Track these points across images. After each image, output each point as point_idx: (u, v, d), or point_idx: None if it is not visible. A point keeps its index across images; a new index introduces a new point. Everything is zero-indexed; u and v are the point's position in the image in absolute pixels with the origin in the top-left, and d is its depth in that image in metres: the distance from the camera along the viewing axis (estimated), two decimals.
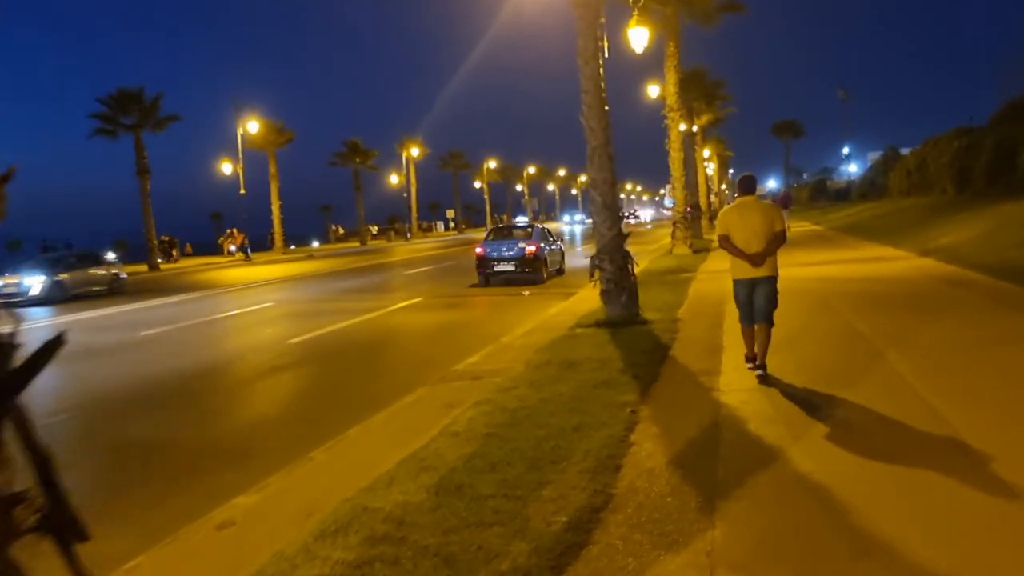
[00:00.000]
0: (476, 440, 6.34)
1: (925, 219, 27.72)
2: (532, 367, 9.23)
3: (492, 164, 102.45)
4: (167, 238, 50.90)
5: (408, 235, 78.93)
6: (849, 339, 9.72)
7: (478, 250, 23.46)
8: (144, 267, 43.76)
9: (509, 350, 11.13)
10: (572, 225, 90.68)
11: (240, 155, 50.01)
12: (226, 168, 51.88)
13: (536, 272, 22.54)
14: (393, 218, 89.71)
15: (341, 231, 76.63)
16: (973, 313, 11.16)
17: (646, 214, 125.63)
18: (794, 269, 18.14)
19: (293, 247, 63.08)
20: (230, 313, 19.75)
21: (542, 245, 23.10)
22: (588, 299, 14.38)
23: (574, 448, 5.92)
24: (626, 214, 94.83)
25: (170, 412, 9.62)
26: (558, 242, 25.49)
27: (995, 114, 35.28)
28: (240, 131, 49.83)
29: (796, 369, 8.22)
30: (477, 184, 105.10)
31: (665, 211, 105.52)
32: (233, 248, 51.80)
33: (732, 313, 10.99)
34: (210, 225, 70.29)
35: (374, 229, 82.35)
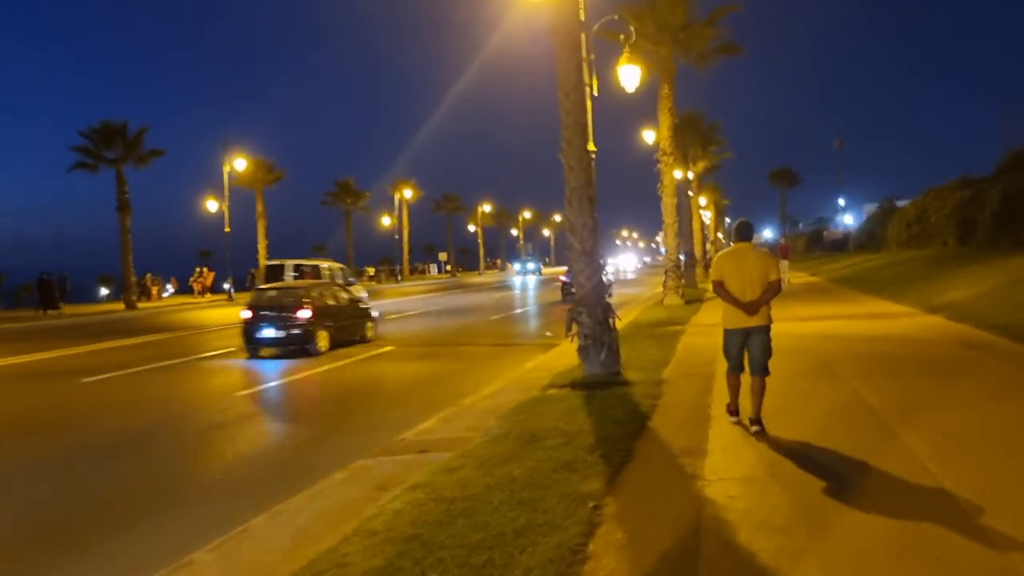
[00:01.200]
0: (394, 545, 5.01)
1: (928, 272, 26.54)
2: (488, 440, 7.91)
3: (487, 208, 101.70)
4: (149, 276, 49.64)
5: (399, 277, 77.74)
6: (856, 412, 8.41)
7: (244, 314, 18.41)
8: (121, 305, 42.47)
9: (469, 414, 9.83)
10: (523, 275, 78.34)
11: (226, 193, 48.86)
12: (212, 205, 50.72)
13: (309, 342, 17.77)
14: (387, 260, 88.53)
15: None
16: (995, 382, 9.87)
17: (627, 262, 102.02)
18: (792, 324, 16.89)
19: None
20: (187, 359, 18.41)
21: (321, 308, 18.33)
22: (568, 352, 13.08)
23: (513, 563, 4.60)
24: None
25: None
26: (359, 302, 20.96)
27: (1000, 163, 34.30)
28: (227, 168, 48.76)
29: (795, 451, 6.92)
30: (472, 227, 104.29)
31: (646, 260, 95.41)
32: (200, 288, 50.78)
33: (723, 373, 9.77)
34: (199, 263, 68.53)
35: (371, 271, 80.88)
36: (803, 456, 6.74)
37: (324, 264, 30.42)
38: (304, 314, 17.69)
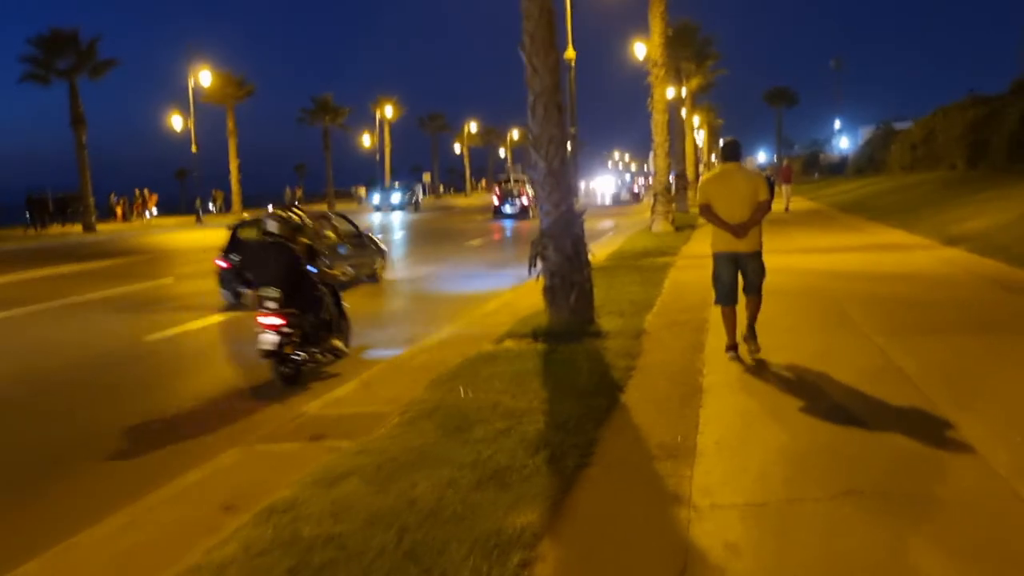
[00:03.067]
0: None
1: (938, 198, 24.48)
2: (405, 421, 5.95)
3: (473, 127, 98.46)
4: (112, 196, 47.06)
5: None
6: (890, 384, 6.44)
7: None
8: (79, 227, 40.18)
9: (400, 374, 7.87)
10: (387, 209, 53.27)
11: (192, 109, 46.17)
12: (177, 122, 47.99)
13: None
14: (371, 180, 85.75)
15: (299, 193, 72.45)
16: None
17: (605, 184, 78.20)
18: (796, 257, 14.93)
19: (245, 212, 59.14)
20: (117, 290, 16.34)
21: None
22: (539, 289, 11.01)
23: None
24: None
25: None
26: None
27: (1017, 80, 31.80)
28: (192, 83, 45.91)
29: (817, 449, 4.98)
30: (458, 148, 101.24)
31: (628, 184, 77.26)
32: (150, 213, 47.99)
33: (718, 322, 7.87)
34: (174, 183, 66.07)
35: (362, 191, 77.73)
36: (827, 458, 4.81)
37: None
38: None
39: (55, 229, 40.10)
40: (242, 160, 53.93)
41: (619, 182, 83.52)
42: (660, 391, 6.57)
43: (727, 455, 5.00)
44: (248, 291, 10.97)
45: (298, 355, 8.07)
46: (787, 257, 14.98)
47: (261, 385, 8.32)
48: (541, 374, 7.10)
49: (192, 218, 45.98)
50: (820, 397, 6.17)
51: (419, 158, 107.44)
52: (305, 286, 8.30)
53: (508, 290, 13.64)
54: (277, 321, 7.88)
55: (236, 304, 13.04)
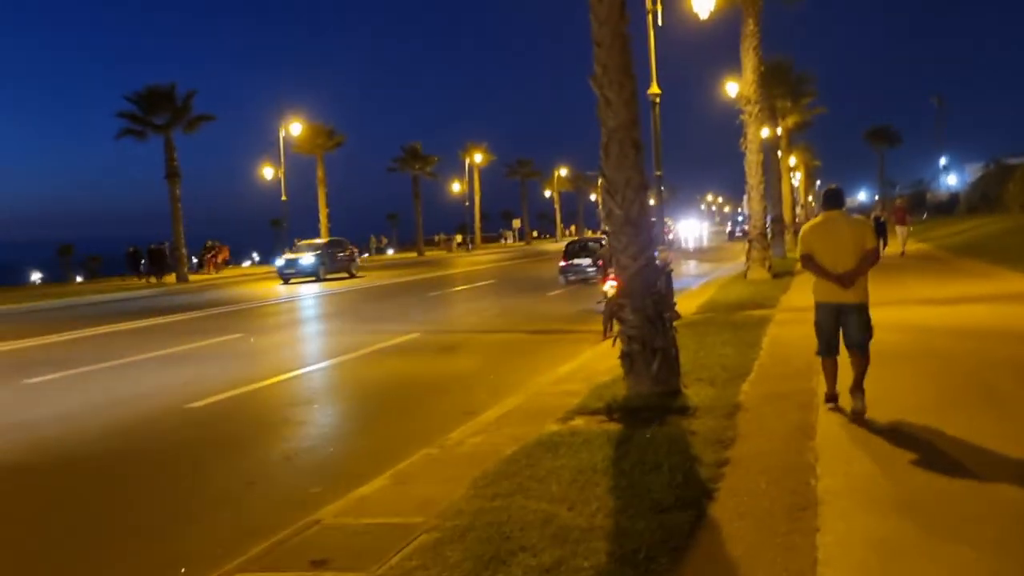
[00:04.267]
0: None
1: None
2: (429, 547, 4.66)
3: (563, 172, 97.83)
4: (211, 244, 47.47)
5: (471, 245, 74.85)
6: None
7: None
8: (172, 277, 40.68)
9: (443, 466, 6.60)
10: (291, 276, 35.50)
11: (282, 159, 46.58)
12: (268, 173, 48.54)
13: None
14: (463, 228, 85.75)
15: (384, 241, 72.72)
16: None
17: (692, 228, 78.72)
18: (914, 311, 13.16)
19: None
20: (183, 348, 15.66)
21: None
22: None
23: None
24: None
25: None
26: None
27: None
28: (283, 133, 46.40)
29: None
30: (548, 193, 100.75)
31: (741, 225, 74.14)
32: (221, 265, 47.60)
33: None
34: (270, 232, 67.25)
35: (458, 238, 77.40)
36: None
37: None
38: None
39: (151, 280, 40.88)
40: (332, 209, 54.29)
41: (730, 224, 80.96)
42: (760, 500, 5.12)
43: None
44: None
45: None
46: (905, 311, 13.21)
47: (287, 468, 7.20)
48: (610, 472, 5.73)
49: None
50: (984, 521, 4.62)
51: (509, 204, 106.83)
52: None
53: (590, 348, 12.30)
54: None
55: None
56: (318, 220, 54.36)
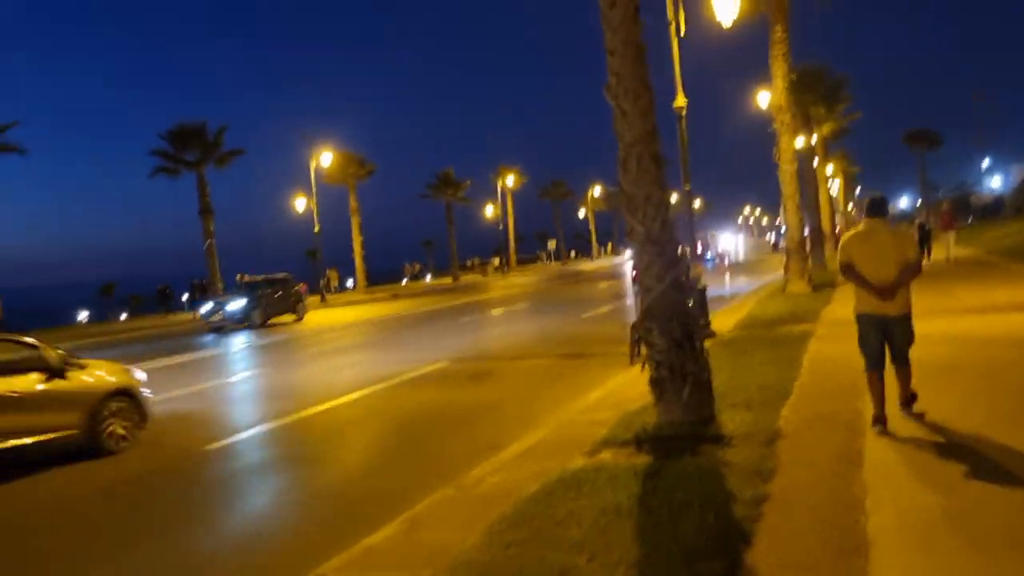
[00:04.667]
0: None
1: None
2: None
3: (596, 191, 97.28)
4: (242, 277, 47.58)
5: (506, 268, 74.52)
6: None
7: None
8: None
9: (458, 507, 6.16)
10: (219, 329, 29.21)
11: (313, 189, 46.66)
12: (301, 204, 48.73)
13: None
14: (499, 251, 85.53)
15: (418, 267, 72.63)
16: None
17: (729, 242, 77.87)
18: (966, 321, 12.49)
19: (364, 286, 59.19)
20: (207, 384, 15.41)
21: None
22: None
23: None
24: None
25: None
26: None
27: None
28: (313, 164, 46.54)
29: None
30: (582, 213, 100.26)
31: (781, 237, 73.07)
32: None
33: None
34: (306, 262, 67.41)
35: (495, 262, 76.95)
36: None
37: None
38: None
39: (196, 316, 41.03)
40: (365, 237, 54.40)
41: (773, 235, 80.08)
42: (804, 544, 4.60)
43: None
44: None
45: None
46: (955, 321, 12.53)
47: (299, 511, 6.81)
48: (636, 513, 5.24)
49: (318, 298, 46.16)
50: None
51: (543, 225, 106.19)
52: None
53: (622, 372, 11.78)
54: None
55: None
56: (352, 250, 54.50)
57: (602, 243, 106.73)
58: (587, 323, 21.80)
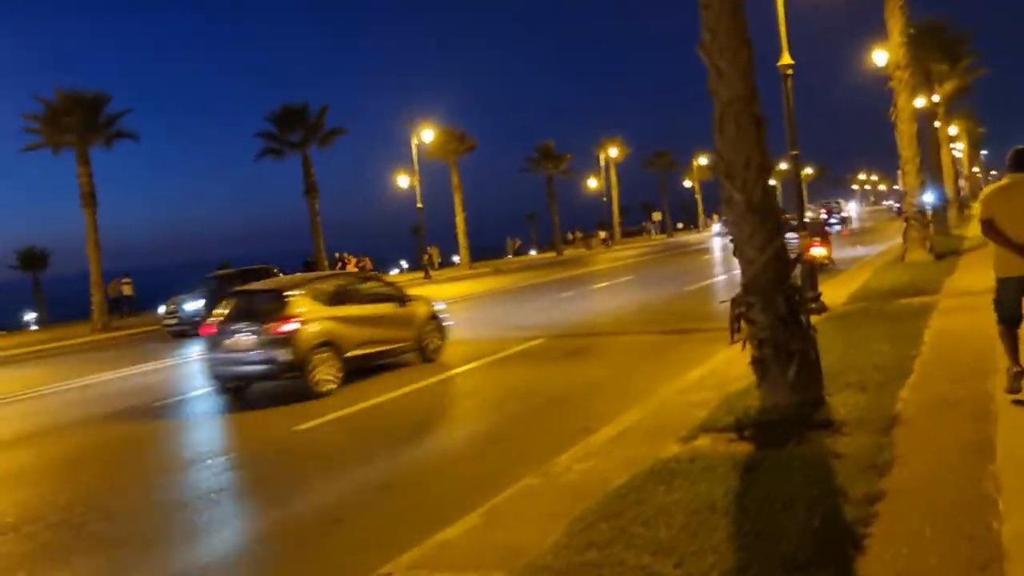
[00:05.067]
0: None
1: None
2: None
3: (703, 161, 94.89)
4: (338, 255, 48.22)
5: (610, 241, 73.52)
6: None
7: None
8: None
9: (541, 498, 5.79)
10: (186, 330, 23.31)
11: (415, 166, 46.91)
12: (403, 181, 49.08)
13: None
14: (602, 224, 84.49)
15: (518, 243, 72.11)
16: None
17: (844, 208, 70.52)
18: None
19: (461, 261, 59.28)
20: None
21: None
22: None
23: None
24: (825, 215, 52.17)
25: None
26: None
27: None
28: (415, 141, 46.74)
29: None
30: (688, 183, 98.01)
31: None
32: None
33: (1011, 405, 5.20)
34: (410, 239, 68.16)
35: (601, 234, 76.08)
36: None
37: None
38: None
39: None
40: (467, 212, 54.39)
41: (893, 199, 76.88)
42: (926, 553, 4.02)
43: None
44: None
45: None
46: None
47: (381, 500, 6.59)
48: (733, 511, 4.74)
49: (421, 274, 46.54)
50: None
51: (646, 197, 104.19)
52: None
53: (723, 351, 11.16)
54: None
55: None
56: (454, 226, 54.65)
57: (708, 214, 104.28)
58: (690, 297, 21.07)
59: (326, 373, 11.63)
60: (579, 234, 76.39)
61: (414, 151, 46.97)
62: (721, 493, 5.07)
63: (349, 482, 7.54)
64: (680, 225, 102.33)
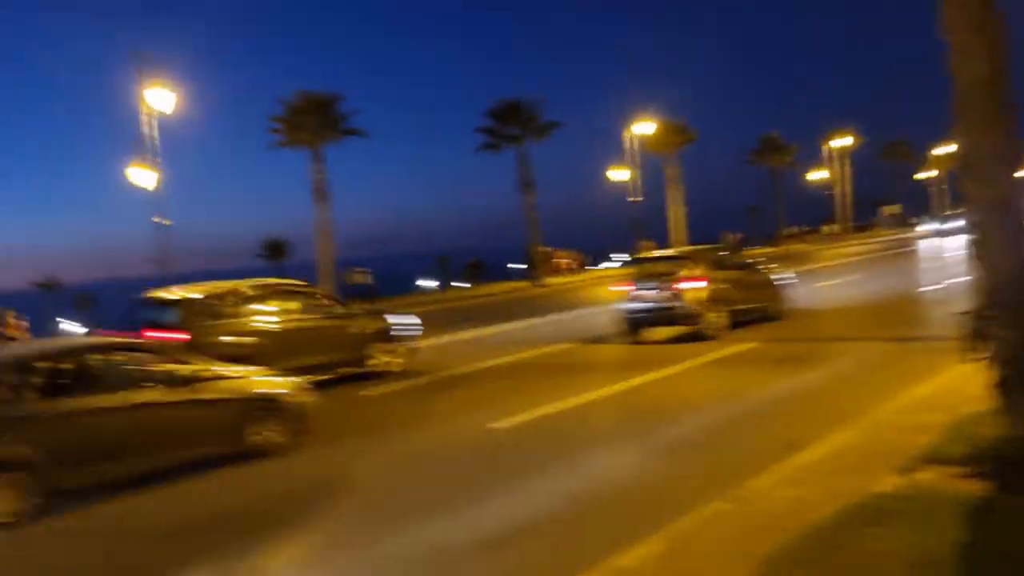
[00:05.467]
0: None
1: None
2: None
3: (939, 151, 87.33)
4: (546, 249, 48.51)
5: (840, 237, 69.31)
6: None
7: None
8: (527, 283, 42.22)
9: (732, 528, 5.23)
10: None
11: (636, 159, 46.20)
12: (619, 175, 48.62)
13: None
14: (829, 219, 79.93)
15: (737, 237, 69.00)
16: None
17: None
18: None
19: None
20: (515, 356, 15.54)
21: None
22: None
23: None
24: None
25: None
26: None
27: None
28: (633, 135, 46.06)
29: None
30: (921, 175, 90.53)
31: None
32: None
33: None
34: (627, 232, 67.63)
35: (835, 228, 72.26)
36: None
37: None
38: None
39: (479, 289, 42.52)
40: (686, 206, 53.09)
41: None
42: None
43: None
44: None
45: None
46: None
47: (569, 512, 6.28)
48: (955, 572, 4.00)
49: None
50: None
51: (875, 190, 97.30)
52: None
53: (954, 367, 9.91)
54: None
55: None
56: (665, 220, 53.53)
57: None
58: (922, 300, 19.20)
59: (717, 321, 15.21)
60: (797, 229, 72.66)
61: (631, 144, 46.35)
62: (944, 543, 4.32)
63: (545, 486, 7.29)
64: (914, 220, 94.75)
